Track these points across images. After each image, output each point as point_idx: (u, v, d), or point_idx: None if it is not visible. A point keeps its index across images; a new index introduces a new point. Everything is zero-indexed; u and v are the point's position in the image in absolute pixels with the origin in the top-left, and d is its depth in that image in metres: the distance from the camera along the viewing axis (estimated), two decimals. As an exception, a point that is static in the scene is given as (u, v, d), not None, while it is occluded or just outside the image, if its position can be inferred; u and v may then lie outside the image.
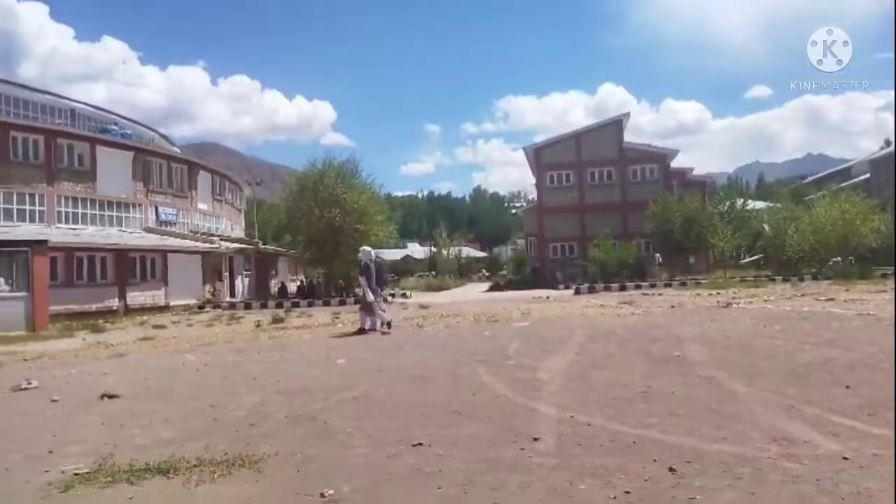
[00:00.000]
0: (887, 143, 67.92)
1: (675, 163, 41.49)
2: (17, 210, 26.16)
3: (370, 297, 12.94)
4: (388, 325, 12.92)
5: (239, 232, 43.48)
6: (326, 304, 26.63)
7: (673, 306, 16.55)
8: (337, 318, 17.62)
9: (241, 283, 33.26)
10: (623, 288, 27.98)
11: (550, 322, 13.68)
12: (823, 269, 29.01)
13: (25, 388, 7.57)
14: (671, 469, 3.76)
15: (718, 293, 21.33)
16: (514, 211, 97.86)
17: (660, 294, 22.99)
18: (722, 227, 33.01)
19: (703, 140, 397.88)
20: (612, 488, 3.50)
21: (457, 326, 13.58)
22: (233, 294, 31.25)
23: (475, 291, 36.13)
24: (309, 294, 31.92)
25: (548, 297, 23.80)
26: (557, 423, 4.97)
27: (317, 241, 29.72)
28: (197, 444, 4.74)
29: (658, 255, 34.00)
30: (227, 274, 31.44)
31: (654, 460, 3.92)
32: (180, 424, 5.51)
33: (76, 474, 4.12)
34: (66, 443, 5.02)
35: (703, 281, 28.65)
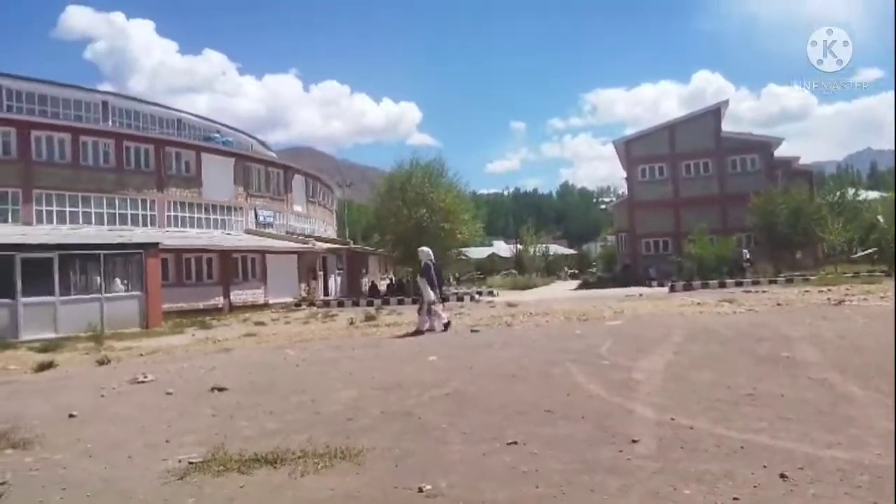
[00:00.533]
0: None
1: (779, 152, 39.01)
2: (131, 215, 28.29)
3: (430, 297, 12.91)
4: (446, 326, 12.88)
5: (331, 232, 45.00)
6: (415, 301, 26.96)
7: (779, 304, 15.60)
8: (426, 315, 17.82)
9: (334, 282, 34.39)
10: (722, 285, 26.68)
11: (645, 320, 13.25)
12: (950, 264, 26.45)
13: (142, 382, 8.17)
14: (782, 476, 3.56)
15: (829, 290, 19.92)
16: (603, 206, 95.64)
17: (763, 291, 21.75)
18: (832, 219, 30.77)
19: (810, 127, 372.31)
20: (719, 495, 3.35)
21: (546, 325, 13.42)
22: (326, 292, 32.37)
23: (563, 289, 35.61)
24: (398, 292, 32.56)
25: (640, 295, 23.07)
26: (657, 425, 4.81)
27: (405, 240, 30.22)
28: (300, 437, 4.95)
29: (746, 251, 31.94)
30: (321, 273, 32.60)
31: (764, 466, 3.73)
32: (284, 417, 5.77)
33: (191, 463, 4.41)
34: (180, 433, 5.38)
35: (811, 277, 26.84)
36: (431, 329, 12.86)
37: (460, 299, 27.38)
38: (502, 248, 73.88)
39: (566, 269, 60.74)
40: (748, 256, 31.34)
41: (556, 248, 72.87)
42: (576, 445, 4.40)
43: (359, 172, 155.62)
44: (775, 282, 26.72)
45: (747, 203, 32.75)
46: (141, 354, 12.09)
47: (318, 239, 35.05)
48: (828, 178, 48.72)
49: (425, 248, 14.28)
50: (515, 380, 7.02)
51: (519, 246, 62.87)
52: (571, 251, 79.53)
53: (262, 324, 18.64)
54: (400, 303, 26.96)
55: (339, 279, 35.05)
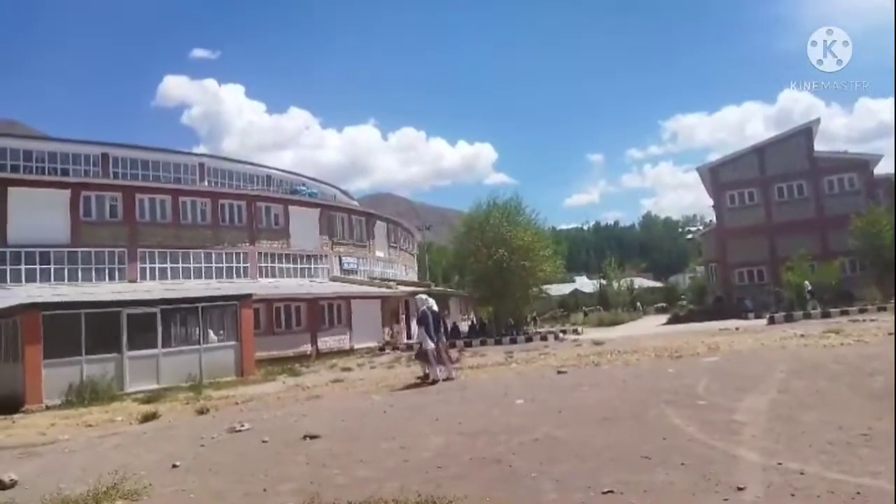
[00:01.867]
0: None
1: (879, 169, 36.59)
2: (227, 268, 29.92)
3: (429, 345, 12.50)
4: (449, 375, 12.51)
5: (412, 275, 45.72)
6: (498, 342, 26.86)
7: (891, 334, 14.40)
8: (510, 356, 17.67)
9: (416, 325, 34.73)
10: (826, 315, 24.95)
11: (743, 356, 12.55)
12: None
13: (240, 430, 8.47)
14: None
15: (950, 316, 18.23)
16: (689, 236, 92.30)
17: (872, 320, 20.15)
18: (945, 238, 28.34)
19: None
20: (840, 549, 3.08)
21: (636, 363, 12.95)
22: (409, 336, 32.71)
23: (652, 324, 34.38)
24: (480, 333, 32.45)
25: (737, 329, 21.90)
26: (763, 470, 4.51)
27: (485, 280, 30.29)
28: (392, 485, 4.97)
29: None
30: (403, 316, 33.05)
31: (889, 517, 3.41)
32: (375, 465, 5.82)
33: (289, 511, 4.51)
34: (277, 481, 5.53)
35: (926, 302, 24.66)
36: (449, 377, 12.52)
37: (544, 338, 26.96)
38: (585, 284, 72.55)
39: (660, 303, 58.34)
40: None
41: (642, 282, 70.76)
42: (677, 494, 4.18)
43: (437, 215, 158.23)
44: (884, 309, 24.71)
45: (848, 225, 30.73)
46: (237, 403, 12.58)
47: (400, 283, 35.69)
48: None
49: (422, 296, 13.77)
50: (607, 423, 6.79)
51: (602, 281, 61.51)
52: (658, 284, 76.94)
53: (348, 369, 19.01)
54: (482, 344, 26.84)
55: (421, 322, 35.36)
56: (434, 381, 12.29)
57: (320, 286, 31.34)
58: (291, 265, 32.78)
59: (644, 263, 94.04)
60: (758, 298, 33.35)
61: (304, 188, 39.06)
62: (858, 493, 3.83)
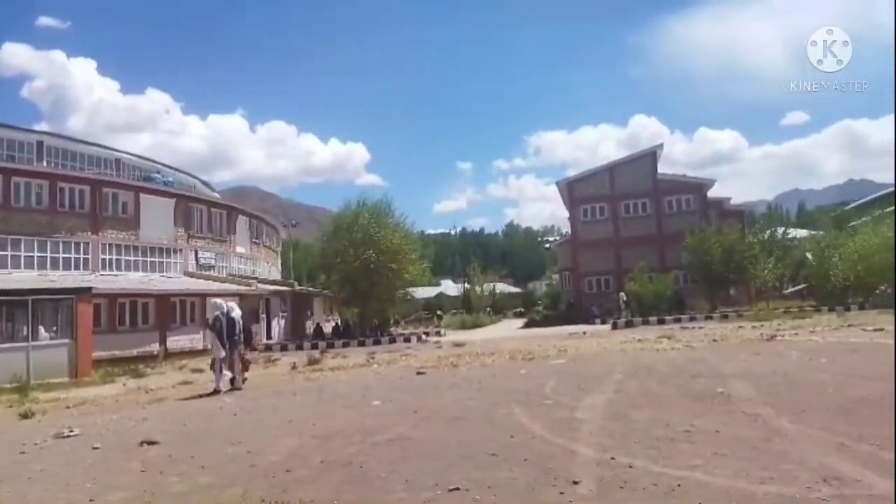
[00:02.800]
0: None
1: (712, 192, 40.86)
2: (63, 259, 27.07)
3: (219, 353, 11.80)
4: (233, 381, 11.92)
5: (275, 274, 44.17)
6: (361, 344, 26.69)
7: (715, 340, 16.12)
8: (372, 358, 17.62)
9: (278, 325, 33.61)
10: (661, 322, 27.40)
11: (588, 359, 13.44)
12: (870, 298, 27.97)
13: (68, 436, 7.71)
14: (718, 514, 3.62)
15: (762, 325, 20.72)
16: (547, 246, 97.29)
17: (700, 328, 22.44)
18: (763, 257, 32.20)
19: (741, 168, 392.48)
20: (657, 535, 3.37)
21: (492, 365, 13.44)
22: (269, 336, 31.57)
23: (510, 328, 35.82)
24: (344, 334, 32.07)
25: (584, 333, 23.44)
26: (597, 465, 4.84)
27: (351, 281, 29.99)
28: (234, 491, 4.75)
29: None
30: (263, 316, 31.84)
31: (700, 504, 3.78)
32: (218, 470, 5.53)
33: (116, 522, 4.16)
34: (106, 490, 5.08)
35: (745, 313, 27.87)
36: (237, 386, 11.95)
37: (407, 340, 27.18)
38: (450, 288, 73.97)
39: (518, 308, 60.92)
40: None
41: (503, 287, 73.46)
42: (518, 489, 4.37)
43: (305, 212, 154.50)
44: (711, 318, 27.62)
45: (683, 242, 33.96)
46: (68, 406, 11.43)
47: (262, 281, 34.34)
48: (758, 217, 51.05)
49: (217, 300, 12.84)
50: (460, 423, 6.97)
51: (466, 285, 63.13)
52: (518, 290, 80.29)
53: (199, 371, 17.94)
54: (345, 345, 26.53)
55: (282, 322, 34.29)
56: (216, 391, 11.54)
57: (172, 281, 29.35)
58: (141, 258, 30.34)
59: (505, 270, 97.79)
60: (604, 305, 35.87)
61: (159, 176, 36.32)
62: (679, 485, 4.21)
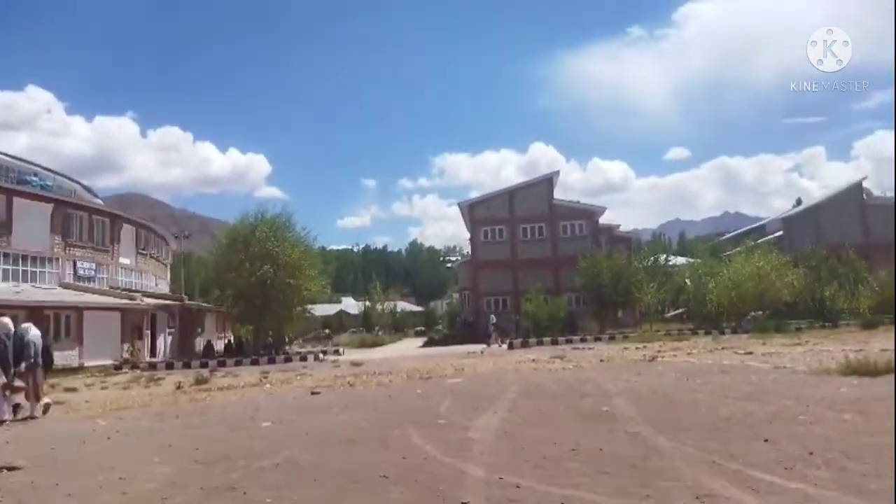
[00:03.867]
0: (798, 202, 72.73)
1: (603, 219, 43.05)
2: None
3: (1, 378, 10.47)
4: (15, 410, 10.73)
5: (164, 287, 41.79)
6: (255, 362, 25.69)
7: (602, 360, 16.86)
8: (265, 377, 16.99)
9: (164, 342, 31.75)
10: (555, 342, 28.34)
11: (483, 378, 13.64)
12: (742, 323, 30.35)
13: None
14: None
15: (645, 346, 21.91)
16: (449, 265, 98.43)
17: (590, 348, 23.41)
18: (647, 282, 34.19)
19: (629, 198, 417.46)
20: (539, 555, 3.43)
21: (389, 384, 13.35)
22: (154, 353, 29.75)
23: (410, 346, 35.82)
24: (237, 352, 30.78)
25: (481, 352, 23.83)
26: (486, 485, 4.88)
27: (246, 297, 28.88)
28: (101, 523, 4.38)
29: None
30: (148, 332, 29.97)
31: (581, 523, 3.90)
32: (85, 499, 5.10)
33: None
34: (-50, 526, 4.55)
35: (630, 335, 29.39)
36: (32, 416, 10.70)
37: (304, 359, 26.48)
38: (351, 305, 73.04)
39: (419, 326, 60.84)
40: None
41: (405, 305, 73.48)
42: (407, 512, 4.33)
43: (199, 223, 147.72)
44: (600, 339, 28.92)
45: (576, 265, 35.45)
46: None
47: (148, 294, 32.38)
48: (644, 244, 54.28)
49: (3, 319, 11.19)
50: (352, 445, 6.83)
51: (367, 303, 62.55)
52: (419, 308, 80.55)
53: (73, 390, 16.60)
54: (238, 364, 25.45)
55: (169, 339, 32.43)
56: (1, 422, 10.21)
57: (45, 293, 27.06)
58: (11, 266, 27.79)
59: (408, 288, 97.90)
60: (501, 325, 36.65)
61: (35, 179, 33.53)
62: (562, 503, 4.32)
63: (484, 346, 29.43)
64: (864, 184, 47.26)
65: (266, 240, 28.68)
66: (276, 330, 31.55)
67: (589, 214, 42.12)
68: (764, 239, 45.06)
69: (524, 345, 28.02)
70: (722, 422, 7.05)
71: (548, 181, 43.59)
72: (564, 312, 35.04)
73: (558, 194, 44.24)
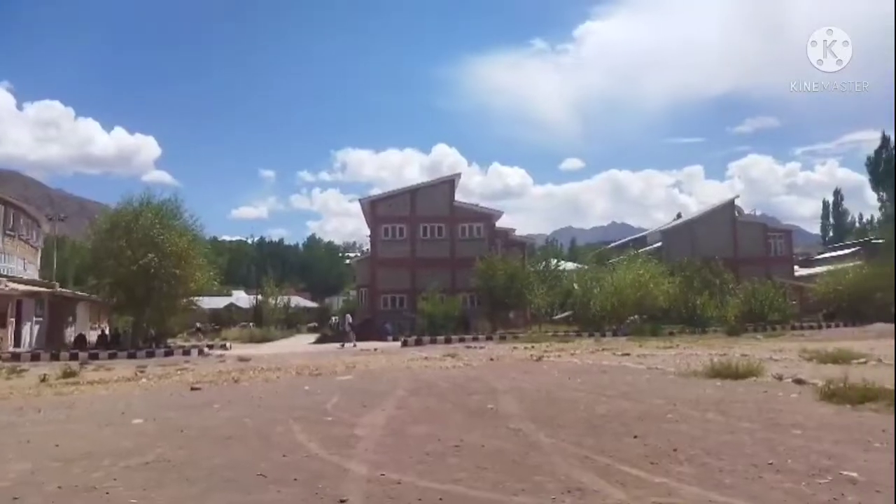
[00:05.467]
0: (678, 216, 78.01)
1: (500, 223, 44.14)
2: None
3: None
4: None
5: (32, 272, 38.38)
6: (132, 356, 24.16)
7: (492, 359, 17.27)
8: (142, 371, 16.04)
9: (30, 331, 29.19)
10: (448, 340, 28.74)
11: (375, 375, 13.59)
12: (622, 327, 32.17)
13: None
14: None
15: (533, 346, 22.68)
16: (348, 261, 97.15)
17: (481, 347, 23.93)
18: (538, 285, 35.42)
19: (526, 204, 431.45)
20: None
21: (276, 381, 13.00)
22: (17, 343, 27.26)
23: (302, 343, 35.05)
24: (112, 344, 28.85)
25: (375, 350, 23.73)
26: (367, 482, 4.86)
27: (126, 286, 27.11)
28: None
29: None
30: (13, 320, 27.42)
31: (458, 517, 3.97)
32: (-83, 503, 4.58)
33: None
34: None
35: (520, 335, 30.34)
36: None
37: (187, 353, 25.24)
38: (242, 299, 70.39)
39: (313, 322, 59.30)
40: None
41: (300, 301, 71.71)
42: (284, 511, 4.23)
43: (77, 205, 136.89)
44: (491, 338, 29.66)
45: (473, 267, 36.14)
46: None
47: (14, 279, 29.62)
48: (538, 249, 56.18)
49: None
50: (231, 442, 6.58)
51: (259, 297, 60.59)
52: (315, 304, 78.90)
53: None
54: (112, 356, 23.85)
55: (36, 328, 29.85)
56: None
57: None
58: None
59: (304, 283, 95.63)
60: (397, 323, 36.74)
61: None
62: (440, 498, 4.38)
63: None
64: (737, 202, 51.58)
65: (151, 226, 27.03)
66: (159, 322, 29.84)
67: (487, 217, 43.05)
68: (645, 249, 47.88)
69: (418, 343, 28.21)
70: (598, 419, 7.41)
71: (450, 183, 44.16)
72: (459, 312, 35.65)
73: (459, 196, 44.96)
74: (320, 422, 7.63)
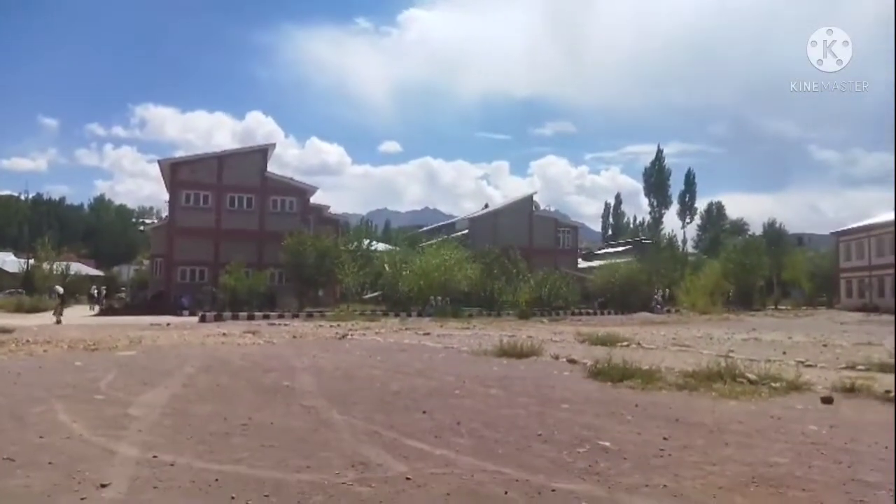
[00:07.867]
0: (486, 206, 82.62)
1: (315, 199, 43.20)
2: None
3: None
4: None
5: None
6: None
7: (295, 337, 16.95)
8: None
9: None
10: (251, 317, 27.63)
11: (163, 351, 12.65)
12: (426, 307, 33.39)
13: None
14: (248, 504, 3.72)
15: (339, 325, 22.66)
16: (142, 228, 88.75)
17: (286, 325, 23.36)
18: (350, 264, 35.40)
19: (343, 182, 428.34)
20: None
21: (43, 355, 11.54)
22: None
23: (82, 314, 31.42)
24: None
25: (168, 325, 22.04)
26: (136, 464, 4.52)
27: None
28: None
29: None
30: None
31: (233, 497, 3.85)
32: None
33: None
34: None
35: (328, 313, 30.12)
36: None
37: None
38: (10, 263, 61.35)
39: (98, 291, 52.92)
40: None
41: (81, 268, 64.12)
42: (31, 498, 3.78)
43: None
44: (298, 316, 29.08)
45: (282, 241, 35.05)
46: None
47: None
48: (352, 228, 56.06)
49: None
50: (-26, 424, 5.72)
51: (32, 261, 53.27)
52: (100, 273, 71.05)
53: None
54: None
55: None
56: None
57: None
58: None
59: (87, 249, 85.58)
60: (196, 297, 34.45)
61: None
62: (216, 479, 4.18)
63: (180, 318, 27.40)
64: (535, 198, 55.92)
65: None
66: None
67: (301, 192, 41.89)
68: (453, 235, 50.09)
69: (218, 318, 26.74)
70: (391, 396, 7.63)
71: (262, 152, 42.17)
72: (265, 288, 34.44)
73: (273, 168, 43.21)
74: (90, 401, 6.93)
